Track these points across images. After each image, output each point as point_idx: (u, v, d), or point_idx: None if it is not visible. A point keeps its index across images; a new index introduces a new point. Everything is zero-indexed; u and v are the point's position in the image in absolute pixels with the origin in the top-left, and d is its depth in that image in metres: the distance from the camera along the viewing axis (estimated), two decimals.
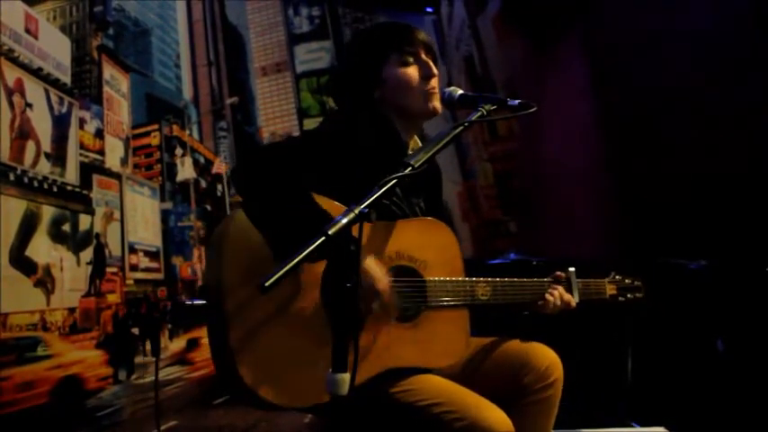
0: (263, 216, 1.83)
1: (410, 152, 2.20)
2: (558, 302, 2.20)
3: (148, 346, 5.07)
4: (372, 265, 1.83)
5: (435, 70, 2.18)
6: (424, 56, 2.19)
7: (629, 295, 2.52)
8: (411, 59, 2.18)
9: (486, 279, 2.11)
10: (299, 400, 1.81)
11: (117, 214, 4.94)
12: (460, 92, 2.02)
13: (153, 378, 4.96)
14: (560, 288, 2.23)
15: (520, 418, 1.99)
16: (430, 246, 2.06)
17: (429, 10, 7.81)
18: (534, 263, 4.37)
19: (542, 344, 2.13)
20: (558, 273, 2.29)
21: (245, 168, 1.93)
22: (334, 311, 1.47)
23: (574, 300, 2.25)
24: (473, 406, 1.80)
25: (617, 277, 2.52)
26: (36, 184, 4.22)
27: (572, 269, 2.30)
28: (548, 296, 2.21)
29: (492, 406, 1.82)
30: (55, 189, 4.37)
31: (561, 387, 2.08)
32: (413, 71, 2.17)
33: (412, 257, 2.01)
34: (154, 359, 5.06)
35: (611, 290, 2.49)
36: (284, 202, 1.82)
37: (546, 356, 2.07)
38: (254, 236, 1.81)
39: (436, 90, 2.16)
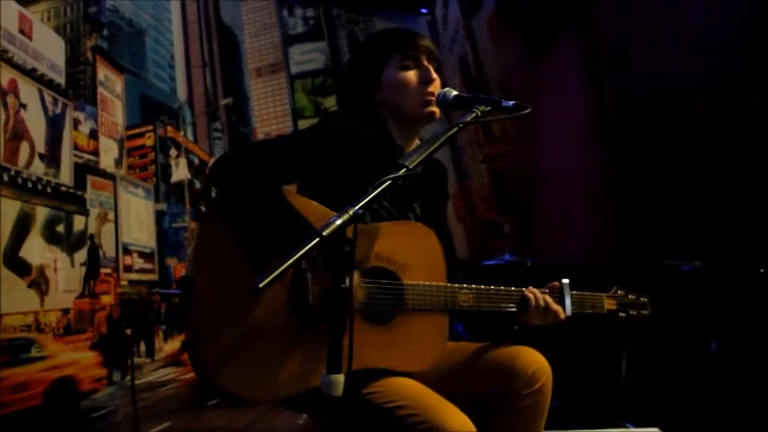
0: (236, 214, 1.87)
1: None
2: (542, 303, 2.18)
3: (143, 347, 5.07)
4: None
5: (435, 76, 2.18)
6: (425, 61, 2.19)
7: (631, 311, 2.46)
8: (411, 63, 2.18)
9: (469, 286, 2.10)
10: (268, 394, 1.84)
11: (111, 215, 4.94)
12: (455, 93, 2.02)
13: (147, 379, 4.97)
14: (547, 298, 2.20)
15: (509, 424, 1.99)
16: (411, 250, 2.05)
17: (423, 11, 7.81)
18: (529, 264, 4.38)
19: (530, 348, 2.11)
20: (553, 283, 2.27)
21: (223, 163, 1.96)
22: (329, 313, 1.47)
23: (562, 311, 2.22)
24: (435, 409, 1.79)
25: (619, 292, 2.46)
26: (30, 184, 4.21)
27: (566, 281, 2.27)
28: (527, 293, 2.18)
29: (454, 409, 1.82)
30: (49, 190, 4.37)
31: (550, 391, 2.06)
32: (412, 75, 2.17)
33: (391, 260, 2.00)
34: (148, 360, 5.06)
35: (610, 305, 2.43)
36: (253, 200, 1.85)
37: (533, 361, 2.05)
38: (224, 236, 1.83)
39: (434, 98, 2.16)
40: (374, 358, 1.92)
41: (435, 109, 2.17)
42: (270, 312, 1.82)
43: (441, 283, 2.07)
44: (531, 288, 2.19)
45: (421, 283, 2.03)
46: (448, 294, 2.07)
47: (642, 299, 2.48)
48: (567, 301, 2.23)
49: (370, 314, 1.94)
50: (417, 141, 2.29)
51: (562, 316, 2.20)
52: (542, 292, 2.21)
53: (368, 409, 1.86)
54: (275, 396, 1.84)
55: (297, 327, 1.84)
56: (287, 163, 1.98)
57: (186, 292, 1.83)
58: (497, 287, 2.15)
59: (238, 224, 1.85)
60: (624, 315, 2.45)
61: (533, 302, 2.16)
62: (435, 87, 2.17)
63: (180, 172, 5.89)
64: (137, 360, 4.92)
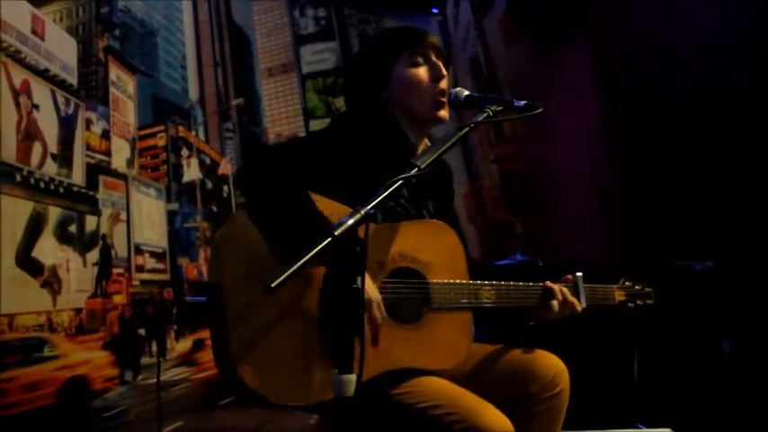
0: (263, 216, 1.85)
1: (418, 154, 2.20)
2: (561, 298, 2.18)
3: (155, 347, 5.07)
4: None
5: (445, 72, 2.18)
6: (434, 58, 2.19)
7: (638, 302, 2.49)
8: (421, 60, 2.18)
9: (491, 282, 2.11)
10: (298, 399, 1.82)
11: (123, 215, 4.95)
12: (466, 93, 2.02)
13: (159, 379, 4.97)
14: (565, 289, 2.22)
15: (526, 428, 1.99)
16: (434, 248, 2.06)
17: (435, 11, 7.81)
18: (540, 264, 4.37)
19: (549, 352, 2.12)
20: (567, 276, 2.28)
21: (249, 169, 1.95)
22: (340, 313, 1.47)
23: (579, 303, 2.23)
24: (473, 407, 1.80)
25: (626, 283, 2.49)
26: (42, 185, 4.23)
27: (579, 274, 2.28)
28: (556, 291, 2.19)
29: (491, 407, 1.81)
30: (61, 190, 4.38)
31: (568, 396, 2.07)
32: (422, 72, 2.17)
33: (415, 259, 2.01)
34: (161, 359, 5.06)
35: (619, 296, 2.46)
36: (284, 203, 1.84)
37: (552, 366, 2.06)
38: (254, 236, 1.82)
39: (445, 94, 2.16)
40: (405, 358, 1.92)
41: (446, 113, 2.17)
42: (302, 316, 1.82)
43: (464, 281, 2.08)
44: (548, 282, 2.20)
45: (445, 281, 2.03)
46: (471, 291, 2.08)
47: (646, 289, 2.52)
48: (582, 294, 2.25)
49: (399, 314, 1.95)
50: (426, 140, 2.29)
51: (579, 308, 2.21)
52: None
53: (399, 411, 1.85)
54: (313, 401, 1.83)
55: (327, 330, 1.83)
56: (308, 164, 1.98)
57: (213, 302, 1.82)
58: (516, 283, 2.16)
59: (268, 227, 1.84)
60: (633, 306, 2.47)
61: (557, 303, 2.17)
62: (446, 83, 2.18)
63: (191, 172, 5.90)
64: (148, 360, 4.93)
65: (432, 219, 2.18)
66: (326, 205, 1.88)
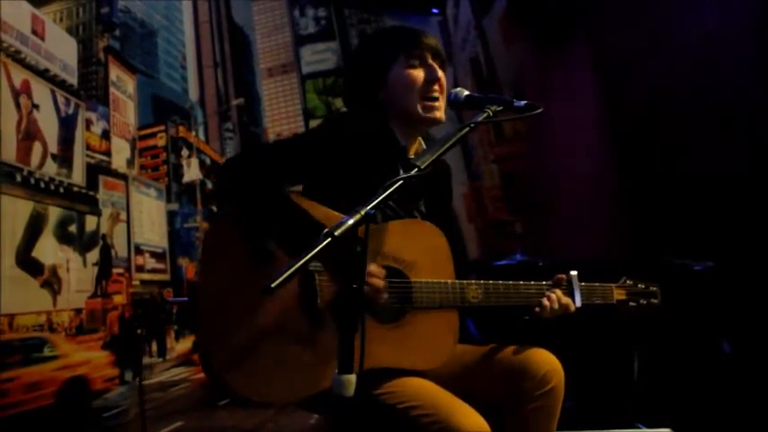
0: (245, 215, 1.87)
1: (412, 156, 2.21)
2: (556, 306, 2.18)
3: (155, 347, 5.07)
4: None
5: (439, 74, 2.18)
6: (430, 60, 2.19)
7: (641, 301, 2.45)
8: (417, 62, 2.18)
9: (477, 282, 2.10)
10: (281, 397, 1.84)
11: (123, 215, 4.94)
12: (466, 93, 2.01)
13: (159, 379, 4.97)
14: (558, 292, 2.20)
15: (520, 425, 1.99)
16: (418, 248, 2.05)
17: (435, 11, 7.80)
18: (540, 264, 4.36)
19: (542, 349, 2.11)
20: (559, 276, 2.27)
21: (229, 166, 1.97)
22: (341, 313, 1.47)
23: (573, 304, 2.22)
24: (449, 409, 1.80)
25: (628, 282, 2.46)
26: (42, 185, 4.23)
27: (574, 272, 2.27)
28: (544, 301, 2.18)
29: (469, 409, 1.82)
30: (61, 190, 4.38)
31: (562, 393, 2.06)
32: (417, 73, 2.17)
33: (398, 258, 2.00)
34: (160, 360, 5.07)
35: (619, 295, 2.42)
36: (257, 202, 1.85)
37: (545, 363, 2.05)
38: (237, 236, 1.84)
39: (438, 97, 2.16)
40: (384, 357, 1.92)
41: (438, 114, 2.17)
42: (279, 314, 1.83)
43: (449, 280, 2.07)
44: (549, 294, 2.19)
45: (428, 280, 2.03)
46: (456, 291, 2.07)
47: (652, 288, 2.48)
48: (576, 293, 2.24)
49: (379, 313, 1.94)
50: (420, 141, 2.29)
51: (572, 308, 2.21)
52: (549, 286, 2.22)
53: (381, 410, 1.86)
54: (286, 398, 1.85)
55: (306, 328, 1.84)
56: (291, 165, 1.99)
57: (193, 298, 1.85)
58: (506, 282, 2.15)
59: (245, 226, 1.86)
60: (635, 305, 2.44)
61: (548, 307, 2.16)
62: (440, 86, 2.18)
63: (191, 172, 5.90)
64: (148, 360, 4.93)
65: (422, 219, 2.18)
66: (307, 208, 1.89)
